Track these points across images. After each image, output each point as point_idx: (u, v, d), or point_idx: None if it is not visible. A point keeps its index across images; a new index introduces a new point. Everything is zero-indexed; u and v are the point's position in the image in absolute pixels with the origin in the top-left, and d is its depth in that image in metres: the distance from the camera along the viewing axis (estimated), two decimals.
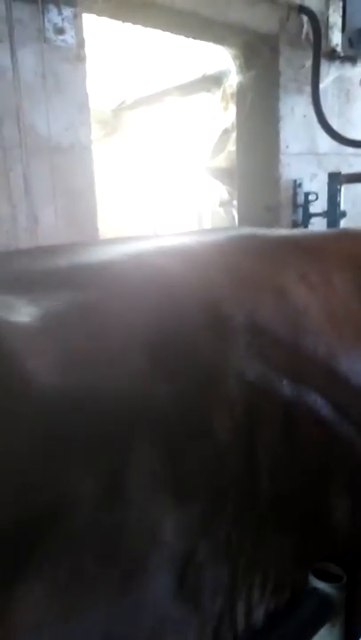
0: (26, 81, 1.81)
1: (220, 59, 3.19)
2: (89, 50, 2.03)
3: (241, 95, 3.02)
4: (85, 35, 2.00)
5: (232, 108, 3.46)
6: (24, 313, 0.64)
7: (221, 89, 3.54)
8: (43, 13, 1.74)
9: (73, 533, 0.57)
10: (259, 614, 0.80)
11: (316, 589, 1.00)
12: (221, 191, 3.93)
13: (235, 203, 3.69)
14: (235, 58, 2.95)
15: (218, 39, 2.75)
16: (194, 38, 2.73)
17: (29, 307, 0.66)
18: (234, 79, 3.07)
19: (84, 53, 1.95)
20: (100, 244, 0.99)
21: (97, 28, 2.55)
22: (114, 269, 0.80)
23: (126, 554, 0.60)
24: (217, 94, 3.63)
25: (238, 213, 3.33)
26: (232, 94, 3.34)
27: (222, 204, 3.94)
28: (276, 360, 0.77)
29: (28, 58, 1.78)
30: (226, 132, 3.62)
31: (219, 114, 3.69)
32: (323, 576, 1.00)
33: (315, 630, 1.02)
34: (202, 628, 0.70)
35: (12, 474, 0.54)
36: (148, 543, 0.62)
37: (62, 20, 1.80)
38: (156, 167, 6.64)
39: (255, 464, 0.74)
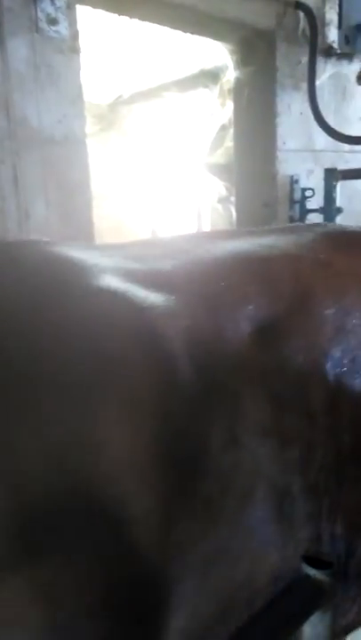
0: (17, 71, 1.82)
1: (218, 54, 3.20)
2: (85, 42, 2.03)
3: (238, 91, 3.04)
4: (81, 27, 2.01)
5: (229, 104, 3.47)
6: (159, 294, 0.80)
7: (219, 85, 3.54)
8: (35, 3, 1.75)
9: (206, 469, 0.73)
10: (340, 548, 0.96)
11: (307, 576, 1.01)
12: (219, 187, 3.93)
13: (232, 199, 3.70)
14: (232, 53, 2.96)
15: (215, 34, 2.77)
16: (191, 33, 2.75)
17: (164, 290, 0.81)
18: (231, 75, 3.08)
19: (78, 45, 1.95)
20: (205, 242, 1.13)
21: (94, 21, 2.56)
22: (236, 260, 0.98)
23: (240, 486, 0.78)
24: (214, 90, 3.64)
25: (236, 210, 3.35)
26: (229, 90, 3.34)
27: (220, 200, 3.94)
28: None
29: (19, 48, 1.78)
30: (223, 128, 3.63)
31: (216, 110, 3.69)
32: (313, 563, 1.01)
33: (306, 617, 1.03)
34: (294, 553, 0.89)
35: (174, 422, 0.71)
36: (256, 478, 0.80)
37: (55, 10, 1.80)
38: (154, 163, 6.64)
39: (338, 422, 0.90)
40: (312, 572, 1.02)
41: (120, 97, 3.94)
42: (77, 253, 0.85)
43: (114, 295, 0.75)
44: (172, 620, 0.71)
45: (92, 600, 0.64)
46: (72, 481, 0.63)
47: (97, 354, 0.68)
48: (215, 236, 1.24)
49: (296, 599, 1.01)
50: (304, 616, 1.03)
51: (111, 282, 0.77)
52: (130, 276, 0.81)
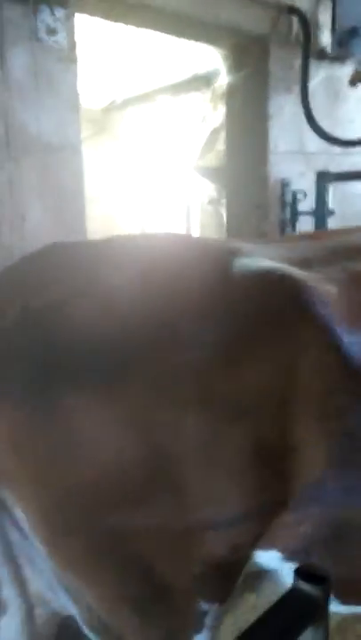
0: (17, 80, 1.81)
1: (210, 58, 3.20)
2: (79, 47, 2.03)
3: (231, 95, 3.04)
4: (77, 33, 2.00)
5: (221, 108, 3.47)
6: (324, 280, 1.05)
7: (211, 89, 3.54)
8: (35, 14, 1.74)
9: None
10: None
11: (301, 590, 1.02)
12: (210, 190, 3.94)
13: (223, 201, 3.70)
14: (225, 58, 2.96)
15: (210, 40, 2.77)
16: (186, 39, 2.74)
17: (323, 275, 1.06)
18: (223, 79, 3.08)
19: (75, 54, 1.94)
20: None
21: (88, 26, 2.54)
22: None
23: None
24: (207, 94, 3.64)
25: (227, 212, 3.35)
26: (222, 94, 3.34)
27: (211, 202, 3.95)
28: None
29: (19, 57, 1.77)
30: (215, 131, 3.63)
31: (208, 113, 3.69)
32: (307, 577, 1.02)
33: (299, 632, 1.04)
34: None
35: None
36: None
37: (55, 20, 1.79)
38: (146, 166, 6.63)
39: None
40: (305, 586, 1.03)
41: (113, 102, 3.92)
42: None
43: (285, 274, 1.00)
44: None
45: None
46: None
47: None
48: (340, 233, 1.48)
49: (289, 613, 1.02)
50: (297, 631, 1.04)
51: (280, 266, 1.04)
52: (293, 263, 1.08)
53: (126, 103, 4.02)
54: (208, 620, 1.05)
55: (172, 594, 0.99)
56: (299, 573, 1.05)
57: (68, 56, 1.90)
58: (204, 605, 1.03)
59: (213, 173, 3.72)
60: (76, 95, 2.05)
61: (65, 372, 0.89)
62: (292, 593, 1.02)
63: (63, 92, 1.97)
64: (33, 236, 2.08)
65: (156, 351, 0.90)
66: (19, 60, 1.76)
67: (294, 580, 1.02)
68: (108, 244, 1.14)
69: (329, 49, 2.81)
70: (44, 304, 0.95)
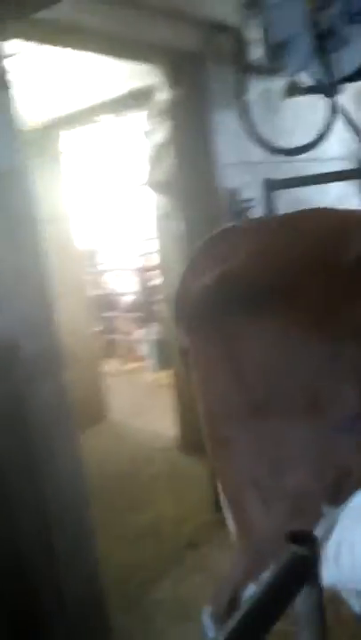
0: None
1: (149, 75, 3.27)
2: (13, 68, 2.05)
3: (172, 111, 3.11)
4: (10, 58, 2.03)
5: (164, 123, 3.54)
6: None
7: (153, 104, 3.60)
8: None
9: None
10: None
11: (294, 553, 1.07)
12: (163, 204, 3.99)
13: (177, 214, 3.76)
14: (163, 75, 3.03)
15: (144, 59, 2.84)
16: (123, 59, 2.80)
17: None
18: (164, 95, 3.14)
19: (8, 81, 1.97)
20: None
21: (21, 48, 2.58)
22: None
23: None
24: (149, 110, 3.69)
25: (182, 225, 3.40)
26: (163, 109, 3.41)
27: (165, 216, 4.00)
28: None
29: None
30: (161, 146, 3.69)
31: (153, 129, 3.75)
32: (297, 540, 1.07)
33: (295, 593, 1.08)
34: None
35: None
36: None
37: None
38: (97, 184, 6.68)
39: None
40: (297, 548, 1.07)
41: (54, 121, 3.96)
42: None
43: None
44: None
45: None
46: None
47: None
48: None
49: (284, 577, 1.06)
50: (293, 593, 1.08)
51: None
52: None
53: (67, 122, 4.06)
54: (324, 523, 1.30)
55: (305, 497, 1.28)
56: (289, 538, 1.09)
57: (1, 83, 1.93)
58: (326, 508, 1.29)
59: (164, 187, 3.78)
60: (14, 119, 2.08)
61: (240, 308, 1.29)
62: (287, 555, 1.07)
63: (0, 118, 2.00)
64: None
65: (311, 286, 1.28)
66: None
67: (286, 545, 1.07)
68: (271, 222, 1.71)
69: (262, 63, 2.90)
70: (230, 267, 1.37)
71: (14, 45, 2.29)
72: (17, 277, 2.04)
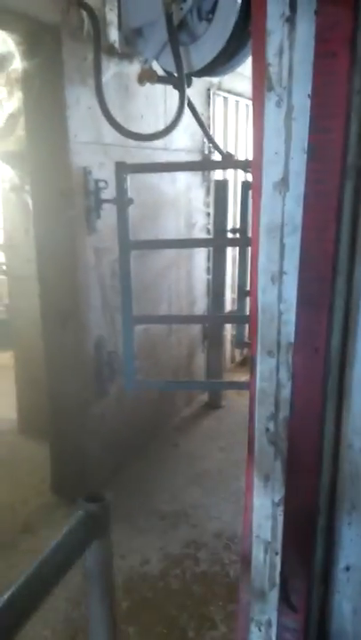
0: None
1: (5, 42, 3.17)
2: None
3: (27, 82, 3.05)
4: None
5: (17, 93, 3.46)
6: None
7: (5, 73, 3.50)
8: None
9: None
10: None
11: (85, 511, 1.18)
12: (12, 176, 3.89)
13: (27, 188, 3.70)
14: (18, 44, 2.96)
15: (3, 24, 2.75)
16: None
17: None
18: (17, 64, 3.07)
19: None
20: None
21: None
22: None
23: None
24: (2, 78, 3.58)
25: (32, 198, 3.36)
26: (17, 79, 3.34)
27: (14, 189, 3.91)
28: None
29: None
30: (12, 116, 3.60)
31: (4, 98, 3.65)
32: (91, 500, 1.17)
33: (85, 547, 1.19)
34: None
35: None
36: None
37: None
38: None
39: None
40: (88, 506, 1.19)
41: None
42: None
43: None
44: None
45: None
46: None
47: None
48: None
49: (75, 533, 1.18)
50: (83, 546, 1.20)
51: None
52: None
53: None
54: None
55: None
56: (84, 499, 1.19)
57: None
58: None
59: (15, 158, 3.69)
60: None
61: None
62: (79, 512, 1.16)
63: None
64: None
65: None
66: None
67: (79, 503, 1.16)
68: None
69: (117, 46, 2.98)
70: None
71: None
72: None
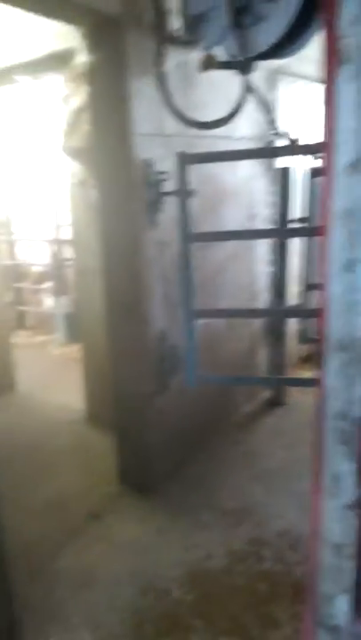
0: None
1: (68, 37, 3.20)
2: None
3: (92, 75, 3.07)
4: None
5: (82, 88, 3.49)
6: None
7: (71, 68, 3.54)
8: None
9: None
10: None
11: None
12: (78, 171, 3.95)
13: (92, 182, 3.74)
14: (84, 37, 2.98)
15: (66, 18, 2.78)
16: (43, 16, 2.73)
17: None
18: (82, 58, 3.09)
19: None
20: None
21: None
22: None
23: None
24: (67, 73, 3.63)
25: (97, 193, 3.39)
26: (81, 74, 3.36)
27: (80, 183, 3.96)
28: None
29: None
30: (78, 111, 3.64)
31: (71, 93, 3.69)
32: None
33: None
34: None
35: None
36: None
37: None
38: (9, 148, 6.43)
39: None
40: None
41: None
42: None
43: None
44: None
45: None
46: None
47: None
48: None
49: None
50: None
51: None
52: None
53: None
54: None
55: None
56: None
57: None
58: None
59: (81, 154, 3.74)
60: None
61: None
62: None
63: None
64: None
65: None
66: None
67: None
68: None
69: (180, 34, 2.93)
70: None
71: None
72: None
